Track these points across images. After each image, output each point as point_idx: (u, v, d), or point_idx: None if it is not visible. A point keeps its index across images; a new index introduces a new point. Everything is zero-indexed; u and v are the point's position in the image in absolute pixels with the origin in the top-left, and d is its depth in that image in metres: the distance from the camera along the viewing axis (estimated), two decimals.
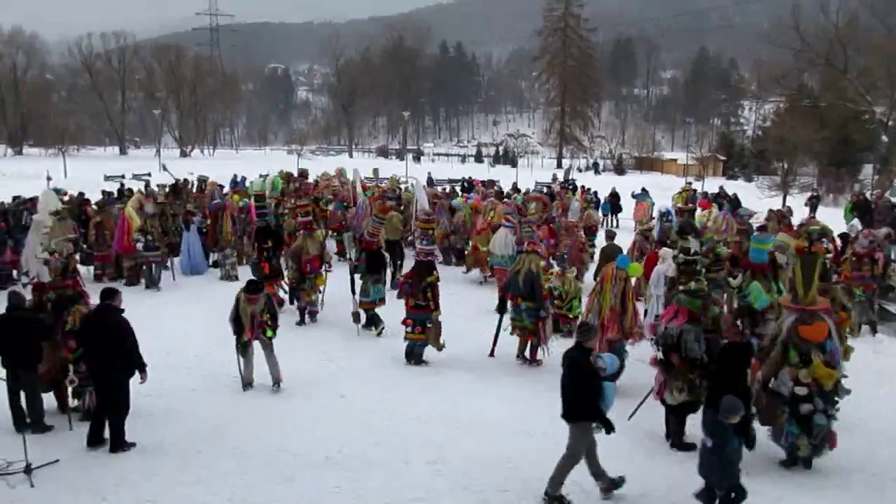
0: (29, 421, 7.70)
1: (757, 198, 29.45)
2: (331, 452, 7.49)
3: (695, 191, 26.90)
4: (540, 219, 15.41)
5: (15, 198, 17.97)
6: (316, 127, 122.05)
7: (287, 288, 13.39)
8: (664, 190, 30.93)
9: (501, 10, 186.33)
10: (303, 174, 23.22)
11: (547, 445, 7.73)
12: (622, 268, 9.28)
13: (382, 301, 11.98)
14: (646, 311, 12.56)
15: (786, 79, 47.90)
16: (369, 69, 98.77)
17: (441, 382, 9.72)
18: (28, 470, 6.74)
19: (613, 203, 26.41)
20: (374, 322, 11.93)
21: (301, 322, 12.48)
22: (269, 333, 9.19)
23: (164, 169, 20.31)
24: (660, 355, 7.74)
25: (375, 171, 30.50)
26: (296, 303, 12.88)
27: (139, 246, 15.01)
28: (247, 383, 9.31)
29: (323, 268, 12.56)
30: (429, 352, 10.71)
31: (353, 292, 11.95)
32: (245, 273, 14.49)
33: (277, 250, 13.62)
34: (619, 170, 64.75)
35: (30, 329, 7.75)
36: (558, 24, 77.39)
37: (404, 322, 10.45)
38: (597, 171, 63.01)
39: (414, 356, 10.49)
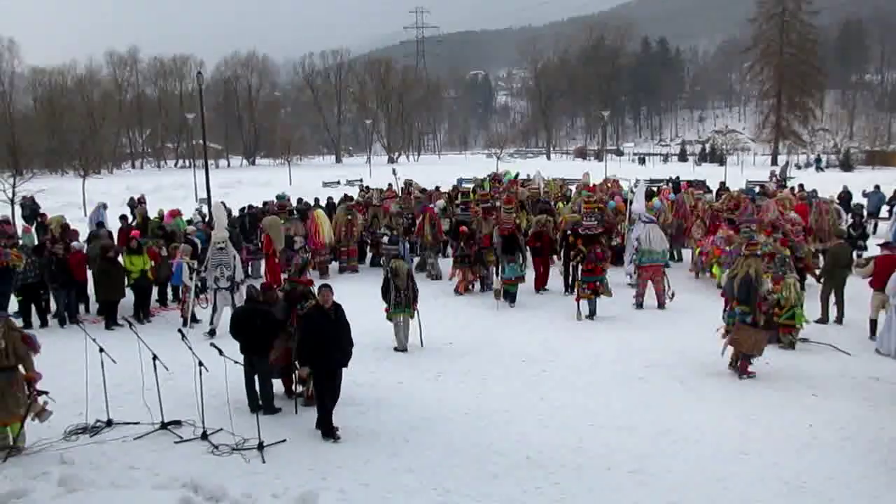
0: (260, 403, 8.55)
1: None
2: (532, 453, 7.51)
3: None
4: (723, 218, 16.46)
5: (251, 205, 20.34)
6: (514, 130, 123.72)
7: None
8: None
9: None
10: (496, 178, 23.90)
11: (762, 467, 7.18)
12: None
13: (521, 279, 14.24)
14: (873, 323, 11.30)
15: None
16: (567, 70, 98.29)
17: (648, 393, 9.37)
18: (261, 447, 7.50)
19: (844, 202, 23.72)
20: (511, 298, 14.02)
21: (481, 289, 15.26)
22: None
23: (394, 173, 22.74)
24: None
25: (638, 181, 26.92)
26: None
27: (385, 239, 17.22)
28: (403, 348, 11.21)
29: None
30: (636, 360, 10.45)
31: (497, 273, 14.31)
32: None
33: (469, 240, 15.45)
34: (846, 165, 58.22)
35: (262, 321, 8.61)
36: (775, 10, 71.40)
37: (587, 286, 12.90)
38: (819, 168, 57.32)
39: (591, 312, 12.94)
